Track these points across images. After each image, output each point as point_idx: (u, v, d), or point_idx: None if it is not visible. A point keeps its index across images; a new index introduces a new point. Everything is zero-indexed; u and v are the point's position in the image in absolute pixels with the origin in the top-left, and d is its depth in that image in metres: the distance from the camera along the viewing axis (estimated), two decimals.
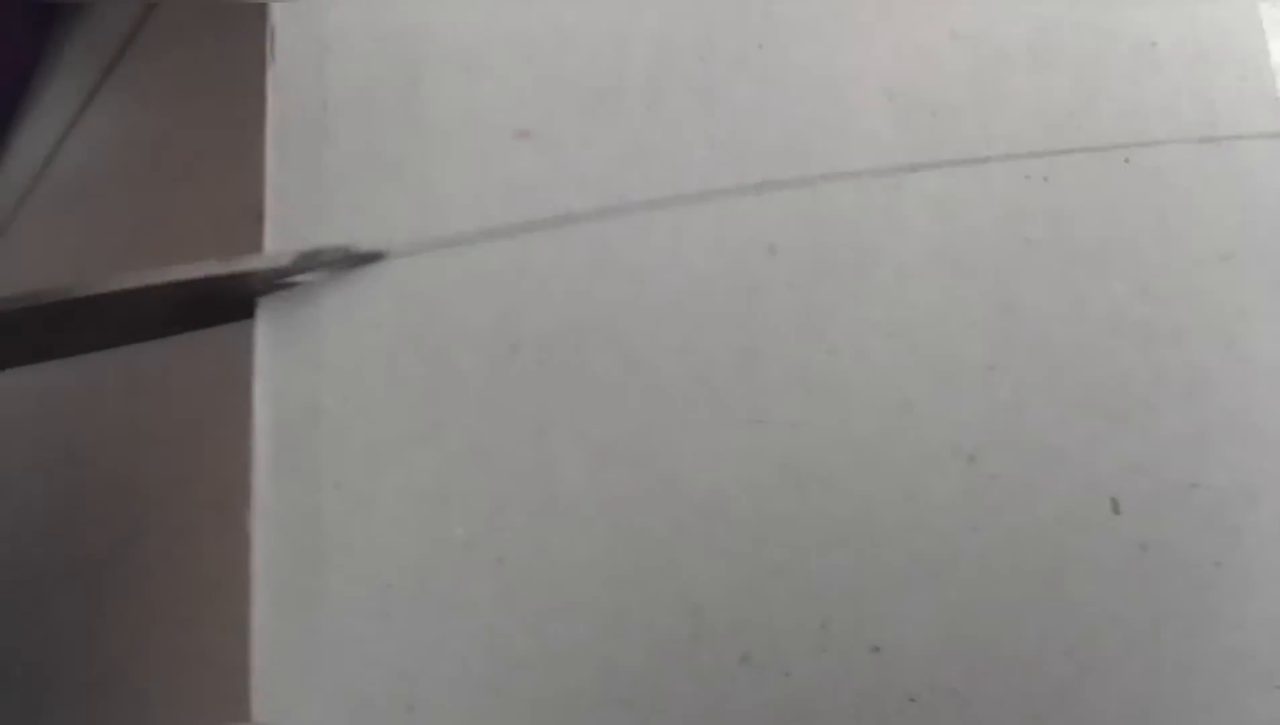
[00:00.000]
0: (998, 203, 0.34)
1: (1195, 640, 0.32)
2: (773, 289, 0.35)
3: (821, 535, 0.33)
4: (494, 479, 0.34)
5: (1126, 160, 0.35)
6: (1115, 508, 0.33)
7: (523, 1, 0.38)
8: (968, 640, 0.32)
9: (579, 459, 0.34)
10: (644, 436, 0.34)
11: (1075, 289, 0.34)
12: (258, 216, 0.37)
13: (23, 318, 0.35)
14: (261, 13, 0.39)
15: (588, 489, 0.34)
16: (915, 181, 0.35)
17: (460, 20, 0.38)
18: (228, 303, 0.36)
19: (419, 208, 0.36)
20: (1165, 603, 0.32)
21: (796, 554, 0.33)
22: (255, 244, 0.37)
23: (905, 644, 0.32)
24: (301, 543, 0.34)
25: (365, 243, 0.35)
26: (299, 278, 0.35)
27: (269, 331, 0.36)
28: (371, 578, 0.34)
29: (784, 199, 0.35)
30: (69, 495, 0.45)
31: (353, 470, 0.35)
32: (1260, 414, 0.33)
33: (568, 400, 0.35)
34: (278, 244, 0.37)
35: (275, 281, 0.35)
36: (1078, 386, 0.33)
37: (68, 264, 0.49)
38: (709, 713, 0.32)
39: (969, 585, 0.33)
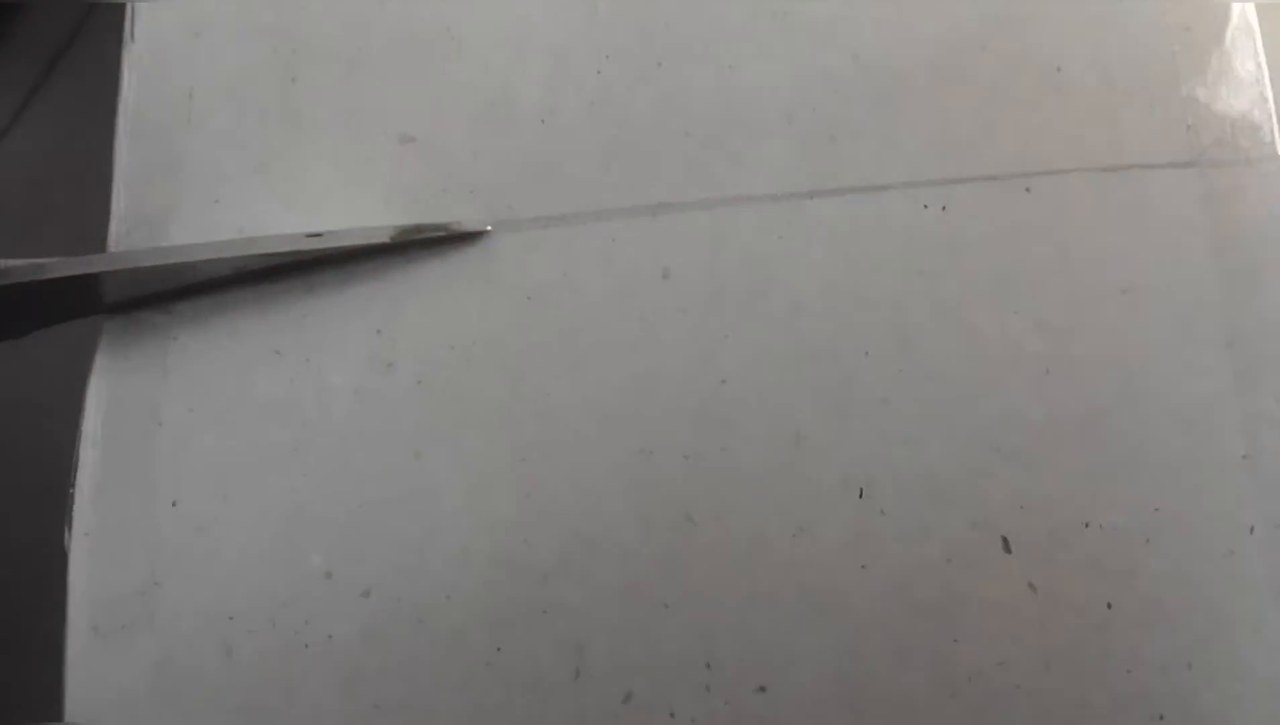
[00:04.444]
0: (895, 232, 0.34)
1: (1086, 682, 0.32)
2: (665, 314, 0.34)
3: (708, 570, 0.32)
4: (361, 506, 0.33)
5: (1027, 189, 0.34)
6: (1006, 546, 0.32)
7: (411, 5, 0.36)
8: (856, 681, 0.31)
9: (458, 485, 0.33)
10: (528, 463, 0.33)
11: (971, 322, 0.33)
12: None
13: None
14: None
15: (466, 518, 0.33)
16: (813, 208, 0.34)
17: (343, 19, 0.37)
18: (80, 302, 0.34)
19: (289, 205, 0.35)
20: (1056, 643, 0.32)
21: (682, 590, 0.32)
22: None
23: (792, 684, 0.32)
24: (130, 567, 0.33)
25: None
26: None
27: (111, 339, 0.34)
28: (214, 605, 0.32)
29: (680, 222, 0.34)
30: None
31: (194, 489, 0.33)
32: (1156, 452, 0.33)
33: (447, 423, 0.34)
34: (121, 231, 0.35)
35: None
36: (971, 422, 0.33)
37: None
38: None
39: (858, 624, 0.32)
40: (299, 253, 0.33)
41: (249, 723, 0.31)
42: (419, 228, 0.33)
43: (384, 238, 0.33)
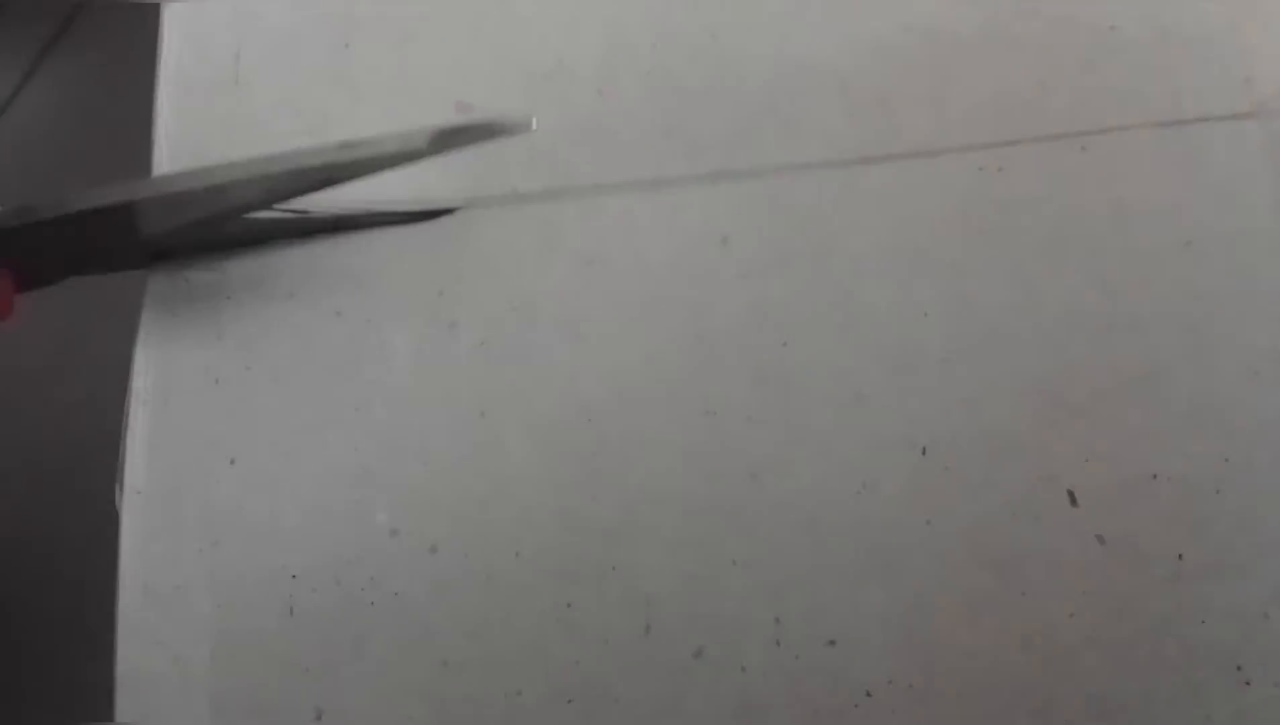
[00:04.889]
0: (951, 195, 0.34)
1: (1157, 634, 0.31)
2: (725, 280, 0.34)
3: (774, 528, 0.33)
4: (427, 463, 0.33)
5: (1083, 148, 0.34)
6: (1072, 499, 0.32)
7: None
8: (923, 633, 0.32)
9: (523, 443, 0.34)
10: (594, 422, 0.34)
11: (1030, 281, 0.34)
12: None
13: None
14: None
15: (533, 476, 0.33)
16: (868, 174, 0.35)
17: None
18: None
19: None
20: (1126, 595, 0.32)
21: (750, 547, 0.33)
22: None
23: (860, 637, 0.32)
24: (185, 526, 0.32)
25: None
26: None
27: (157, 297, 0.34)
28: (275, 564, 0.32)
29: (737, 189, 0.35)
30: None
31: (256, 448, 0.33)
32: (1221, 403, 0.33)
33: (511, 383, 0.34)
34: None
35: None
36: (1033, 378, 0.33)
37: None
38: (662, 711, 0.32)
39: (924, 578, 0.32)
40: (332, 167, 0.31)
41: (314, 681, 0.31)
42: (460, 129, 0.31)
43: (420, 143, 0.30)
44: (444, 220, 0.35)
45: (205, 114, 0.36)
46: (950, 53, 0.35)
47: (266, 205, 0.32)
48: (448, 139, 0.30)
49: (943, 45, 0.35)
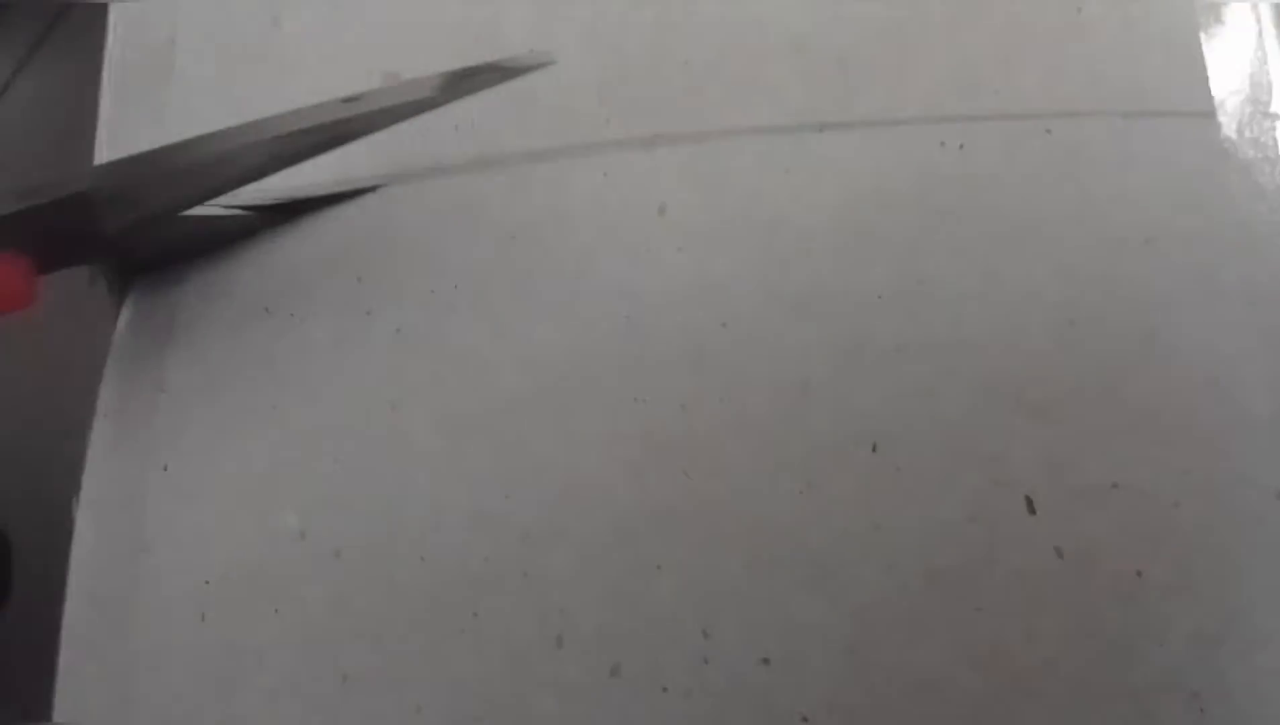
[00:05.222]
0: (909, 169, 0.32)
1: (1115, 656, 0.29)
2: (661, 253, 0.31)
3: (706, 531, 0.29)
4: (337, 461, 0.31)
5: (1048, 131, 0.32)
6: (1030, 507, 0.30)
7: None
8: (867, 652, 0.29)
9: (435, 438, 0.31)
10: (510, 413, 0.30)
11: (990, 267, 0.31)
12: None
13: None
14: None
15: (443, 473, 0.30)
16: (822, 142, 0.32)
17: None
18: None
19: None
20: (1082, 614, 0.29)
21: (677, 552, 0.29)
22: None
23: (797, 655, 0.29)
24: (123, 534, 0.32)
25: None
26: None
27: (133, 309, 0.34)
28: (194, 572, 0.31)
29: (677, 155, 0.32)
30: None
31: (184, 453, 0.32)
32: (1182, 413, 0.31)
33: (425, 372, 0.31)
34: None
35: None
36: (992, 372, 0.30)
37: None
38: None
39: (869, 590, 0.29)
40: (341, 123, 0.29)
41: (219, 692, 0.29)
42: (470, 71, 0.29)
43: (428, 91, 0.29)
44: (366, 201, 0.33)
45: (142, 104, 0.36)
46: (915, 17, 0.33)
47: (271, 171, 0.31)
48: (459, 83, 0.29)
49: (907, 9, 0.33)
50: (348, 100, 0.29)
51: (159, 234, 0.32)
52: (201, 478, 0.32)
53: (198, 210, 0.31)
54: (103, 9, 0.37)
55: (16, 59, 0.44)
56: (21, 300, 0.30)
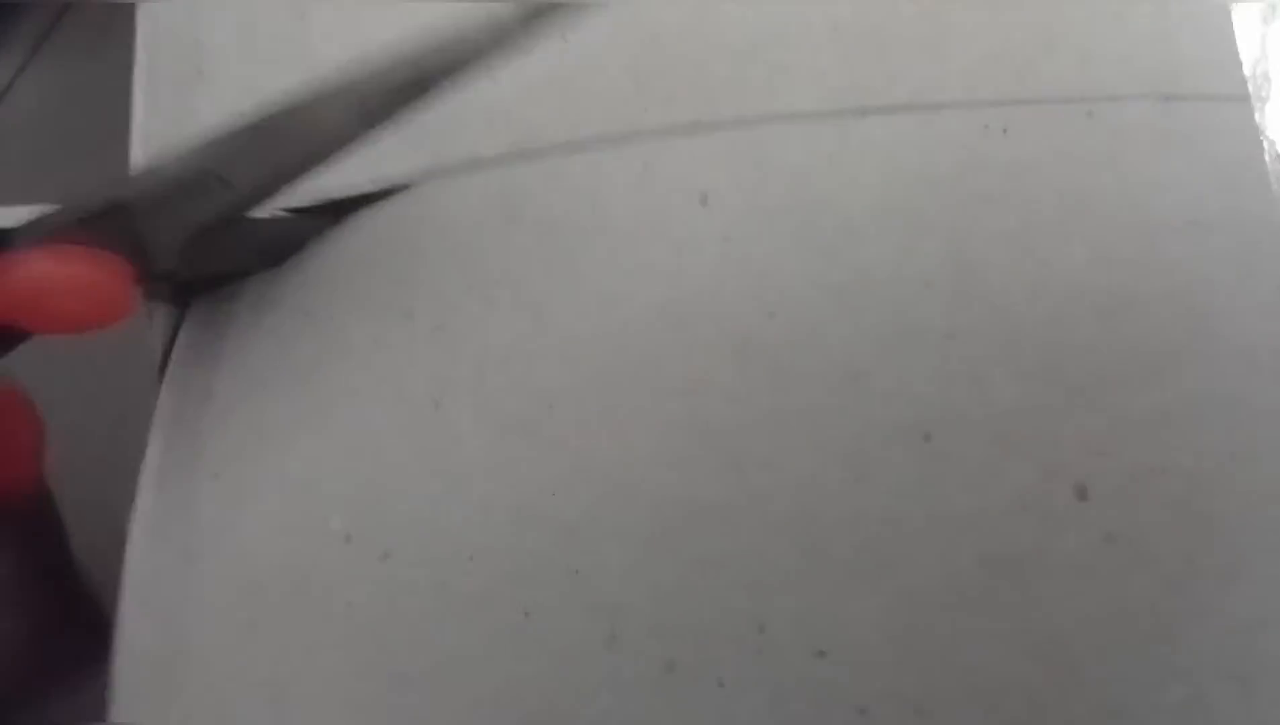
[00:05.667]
0: (953, 153, 0.31)
1: (1166, 641, 0.29)
2: (705, 243, 0.31)
3: (758, 523, 0.29)
4: (381, 462, 0.30)
5: (1089, 114, 0.32)
6: (1081, 494, 0.29)
7: None
8: (923, 642, 0.28)
9: (480, 435, 0.30)
10: (556, 409, 0.30)
11: (1036, 252, 0.31)
12: None
13: None
14: None
15: (489, 470, 0.30)
16: (863, 126, 0.31)
17: None
18: None
19: None
20: (1134, 600, 0.29)
21: (729, 545, 0.29)
22: None
23: (853, 647, 0.28)
24: (175, 543, 0.31)
25: None
26: None
27: (191, 326, 0.34)
28: (241, 578, 0.31)
29: (717, 142, 0.31)
30: None
31: (232, 460, 0.32)
32: (1227, 395, 0.30)
33: (467, 369, 0.30)
34: None
35: None
36: (1040, 359, 0.30)
37: None
38: None
39: (924, 579, 0.29)
40: (422, 67, 0.29)
41: (271, 699, 0.29)
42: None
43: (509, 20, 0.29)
44: (402, 199, 0.32)
45: (176, 108, 0.35)
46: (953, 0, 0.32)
47: (361, 133, 0.30)
48: (538, 16, 0.29)
49: None
50: (422, 42, 0.29)
51: (216, 246, 0.31)
52: (249, 485, 0.31)
53: (257, 212, 0.31)
54: (121, 9, 0.36)
55: (23, 54, 0.43)
56: (125, 309, 0.29)
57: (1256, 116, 0.33)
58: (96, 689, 0.30)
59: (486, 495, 0.29)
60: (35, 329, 0.29)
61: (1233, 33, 0.33)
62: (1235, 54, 0.33)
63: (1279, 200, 0.32)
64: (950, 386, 0.30)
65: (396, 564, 0.29)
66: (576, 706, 0.28)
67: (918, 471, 0.29)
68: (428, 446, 0.30)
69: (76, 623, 0.35)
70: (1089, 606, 0.29)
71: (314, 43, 0.34)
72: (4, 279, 0.28)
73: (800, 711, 0.28)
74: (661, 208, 0.31)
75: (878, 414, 0.29)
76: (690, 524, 0.29)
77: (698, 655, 0.28)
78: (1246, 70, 0.33)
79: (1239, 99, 0.33)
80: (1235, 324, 0.31)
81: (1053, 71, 0.32)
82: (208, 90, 0.35)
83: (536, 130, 0.32)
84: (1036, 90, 0.32)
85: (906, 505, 0.29)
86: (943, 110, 0.31)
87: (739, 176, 0.31)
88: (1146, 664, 0.29)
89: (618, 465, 0.29)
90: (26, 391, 0.32)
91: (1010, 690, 0.28)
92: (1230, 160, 0.32)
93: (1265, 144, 0.32)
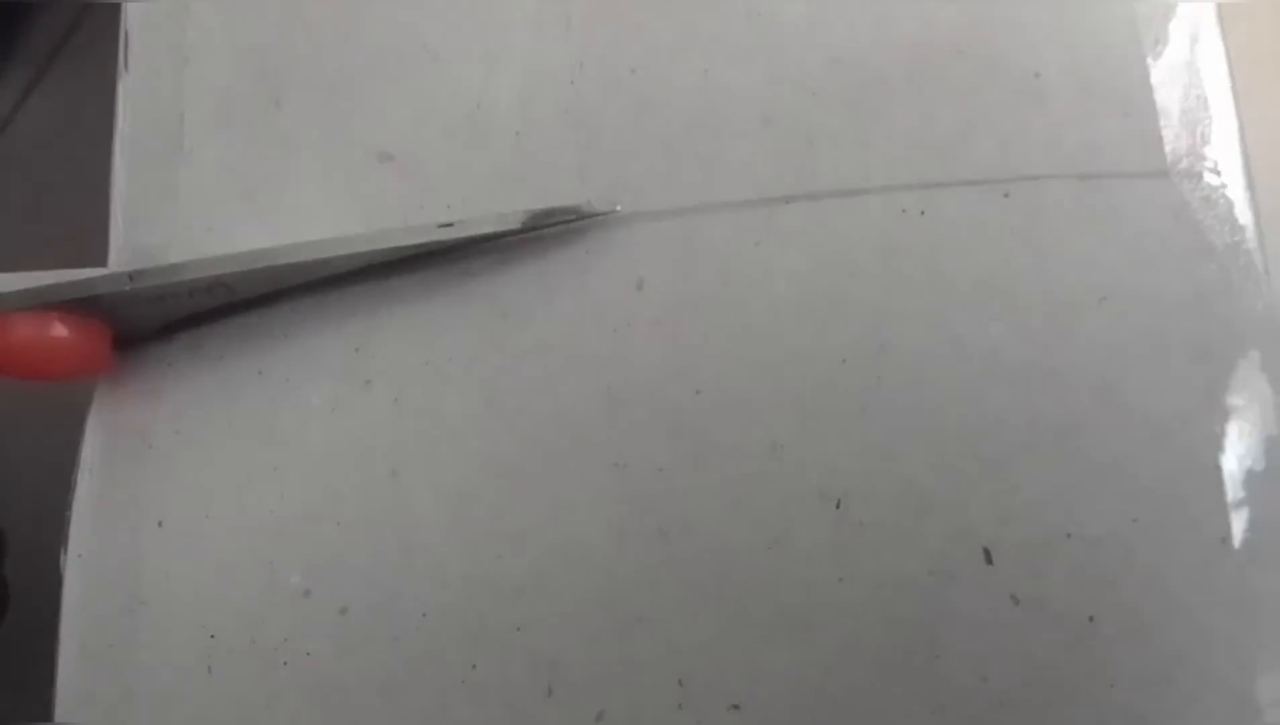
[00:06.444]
0: (873, 236, 0.33)
1: (1067, 698, 0.31)
2: (639, 326, 0.33)
3: (681, 585, 0.31)
4: (340, 524, 0.33)
5: (1006, 195, 0.33)
6: (988, 558, 0.31)
7: (390, 21, 0.36)
8: (833, 698, 0.31)
9: (433, 503, 0.33)
10: (503, 479, 0.32)
11: (952, 328, 0.33)
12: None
13: None
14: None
15: (441, 535, 0.32)
16: (789, 212, 0.33)
17: (325, 38, 0.36)
18: None
19: (275, 232, 0.35)
20: (1037, 658, 0.31)
21: (655, 605, 0.31)
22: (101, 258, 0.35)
23: (766, 702, 0.31)
24: (117, 586, 0.33)
25: None
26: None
27: (117, 366, 0.34)
28: (195, 625, 0.32)
29: (654, 230, 0.34)
30: None
31: (178, 509, 0.33)
32: (1133, 464, 0.32)
33: (423, 440, 0.33)
34: (122, 260, 0.35)
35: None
36: (951, 430, 0.32)
37: None
38: None
39: (835, 639, 0.31)
40: (431, 244, 0.33)
41: None
42: (550, 213, 0.33)
43: (516, 224, 0.33)
44: (363, 275, 0.34)
45: (157, 183, 0.36)
46: (876, 89, 0.34)
47: (351, 270, 0.34)
48: (539, 220, 0.33)
49: (869, 81, 0.34)
50: (443, 226, 0.33)
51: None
52: (200, 534, 0.33)
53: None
54: (109, 59, 0.37)
55: (25, 81, 0.44)
56: (103, 367, 0.33)
57: (1175, 191, 0.34)
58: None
59: (440, 559, 0.32)
60: (16, 378, 0.32)
61: (1154, 111, 0.34)
62: (1156, 132, 0.34)
63: (1192, 274, 0.33)
64: (863, 457, 0.32)
65: (354, 619, 0.32)
66: None
67: (830, 537, 0.31)
68: (385, 512, 0.32)
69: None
70: (994, 665, 0.31)
71: (286, 127, 0.36)
72: None
73: None
74: (601, 291, 0.33)
75: (793, 483, 0.32)
76: (621, 587, 0.31)
77: (624, 706, 0.31)
78: (1167, 147, 0.34)
79: (1157, 175, 0.34)
80: (1146, 396, 0.32)
81: (971, 155, 0.34)
82: (189, 166, 0.36)
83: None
84: (954, 173, 0.33)
85: (819, 569, 0.31)
86: (864, 195, 0.33)
87: (672, 262, 0.33)
88: (1049, 720, 0.31)
89: (558, 532, 0.32)
90: None
91: None
92: (1145, 234, 0.33)
93: (1180, 219, 0.34)
